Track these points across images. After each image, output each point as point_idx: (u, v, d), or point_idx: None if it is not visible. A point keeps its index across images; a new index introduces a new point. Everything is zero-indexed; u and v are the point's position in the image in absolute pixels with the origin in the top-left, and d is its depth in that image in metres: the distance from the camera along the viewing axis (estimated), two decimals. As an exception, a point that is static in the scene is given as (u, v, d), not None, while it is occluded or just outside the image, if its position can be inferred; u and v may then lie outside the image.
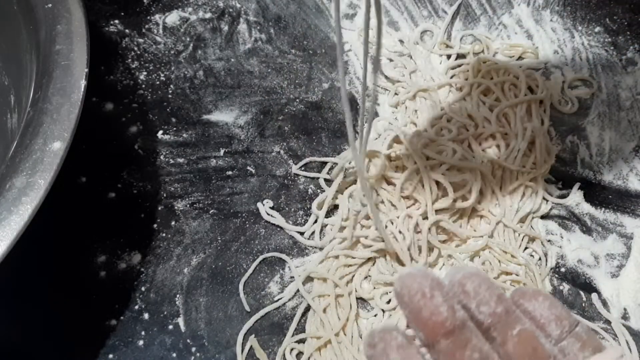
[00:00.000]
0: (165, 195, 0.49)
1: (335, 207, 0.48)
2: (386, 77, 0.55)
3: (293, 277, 0.45)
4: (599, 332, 0.44)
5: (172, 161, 0.51)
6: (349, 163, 0.48)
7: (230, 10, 0.59)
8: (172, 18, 0.58)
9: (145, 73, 0.55)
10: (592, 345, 0.26)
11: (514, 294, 0.27)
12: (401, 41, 0.57)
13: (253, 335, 0.43)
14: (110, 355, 0.42)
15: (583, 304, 0.45)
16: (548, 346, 0.25)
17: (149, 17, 0.58)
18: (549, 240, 0.48)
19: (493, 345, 0.25)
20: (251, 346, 0.43)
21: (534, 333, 0.25)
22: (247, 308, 0.44)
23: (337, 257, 0.45)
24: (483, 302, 0.25)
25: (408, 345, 0.25)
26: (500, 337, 0.25)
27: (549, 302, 0.27)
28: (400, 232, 0.45)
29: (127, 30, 0.58)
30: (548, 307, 0.26)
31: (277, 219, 0.48)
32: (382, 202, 0.47)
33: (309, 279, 0.45)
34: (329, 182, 0.49)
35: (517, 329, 0.25)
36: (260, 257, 0.46)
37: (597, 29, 0.58)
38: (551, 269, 0.46)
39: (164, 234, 0.47)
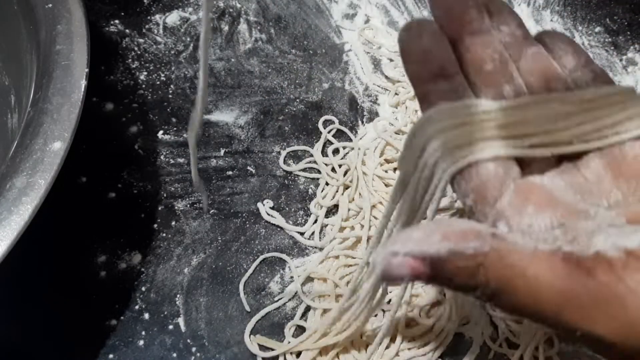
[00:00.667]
0: (165, 195, 0.49)
1: (335, 207, 0.48)
2: (386, 77, 0.55)
3: (293, 276, 0.45)
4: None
5: (172, 161, 0.51)
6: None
7: (231, 10, 0.59)
8: (173, 18, 0.59)
9: (145, 73, 0.55)
10: (604, 78, 0.26)
11: (538, 33, 0.28)
12: (401, 41, 0.57)
13: (256, 335, 0.43)
14: (110, 355, 0.42)
15: (583, 304, 0.45)
16: (559, 70, 0.26)
17: (149, 17, 0.58)
18: (549, 240, 0.47)
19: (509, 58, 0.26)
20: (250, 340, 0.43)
21: (547, 56, 0.26)
22: (247, 308, 0.44)
23: (337, 257, 0.45)
24: (504, 22, 0.27)
25: (441, 34, 0.26)
26: (515, 55, 0.26)
27: (569, 39, 0.27)
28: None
29: (127, 30, 0.58)
30: (567, 42, 0.27)
31: (277, 219, 0.48)
32: (381, 202, 0.47)
33: (309, 279, 0.45)
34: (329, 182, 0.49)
35: (533, 49, 0.26)
36: (261, 257, 0.46)
37: (597, 29, 0.58)
38: (551, 269, 0.46)
39: (164, 234, 0.47)
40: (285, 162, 0.50)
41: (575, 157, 0.25)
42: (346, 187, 0.48)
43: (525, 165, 0.25)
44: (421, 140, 0.25)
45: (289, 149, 0.51)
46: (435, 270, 0.21)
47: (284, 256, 0.46)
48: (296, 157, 0.51)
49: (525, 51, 0.26)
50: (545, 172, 0.25)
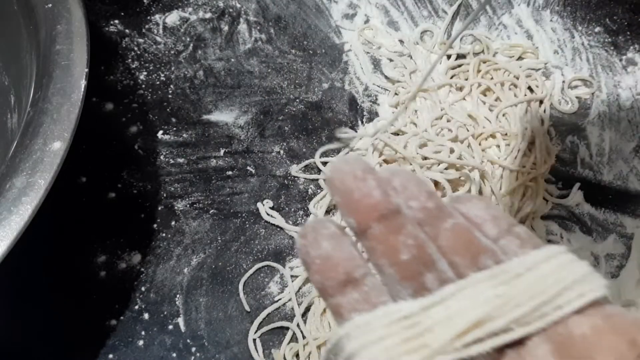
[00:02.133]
0: (165, 195, 0.49)
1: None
2: (386, 77, 0.55)
3: (293, 276, 0.45)
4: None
5: (172, 161, 0.51)
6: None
7: (230, 10, 0.59)
8: (172, 18, 0.59)
9: (145, 73, 0.55)
10: (531, 243, 0.23)
11: (449, 201, 0.25)
12: (401, 41, 0.57)
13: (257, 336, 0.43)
14: (110, 355, 0.42)
15: (583, 304, 0.45)
16: (484, 240, 0.23)
17: (149, 17, 0.58)
18: (549, 241, 0.47)
19: (426, 239, 0.23)
20: (255, 347, 0.43)
21: (468, 226, 0.23)
22: (247, 308, 0.44)
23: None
24: (412, 197, 0.24)
25: (340, 234, 0.23)
26: (432, 232, 0.23)
27: (485, 204, 0.24)
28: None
29: (127, 30, 0.58)
30: (484, 208, 0.24)
31: (277, 219, 0.48)
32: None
33: (308, 280, 0.45)
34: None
35: (450, 222, 0.23)
36: (257, 265, 0.46)
37: (597, 29, 0.58)
38: (551, 269, 0.46)
39: (164, 234, 0.47)
40: (286, 162, 0.51)
41: (518, 344, 0.21)
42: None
43: None
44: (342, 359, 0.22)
45: (323, 148, 0.51)
46: None
47: (278, 266, 0.46)
48: (296, 157, 0.51)
49: (442, 226, 0.23)
50: None
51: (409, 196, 0.24)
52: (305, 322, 0.44)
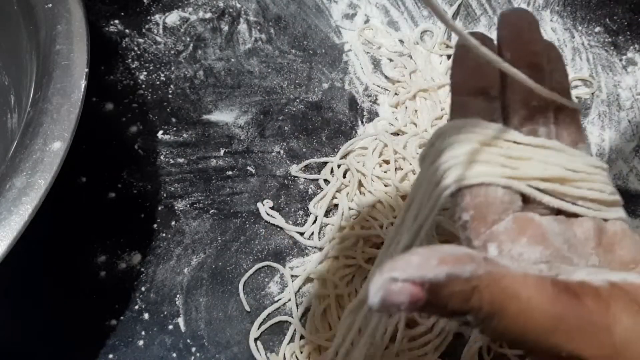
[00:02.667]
0: (165, 195, 0.49)
1: (335, 207, 0.48)
2: (386, 77, 0.55)
3: (293, 276, 0.45)
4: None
5: (172, 161, 0.51)
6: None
7: (230, 10, 0.59)
8: (172, 18, 0.58)
9: (145, 73, 0.55)
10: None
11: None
12: (401, 41, 0.57)
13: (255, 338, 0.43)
14: (110, 355, 0.42)
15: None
16: (588, 138, 0.30)
17: (149, 17, 0.58)
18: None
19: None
20: (256, 346, 0.43)
21: (579, 117, 0.29)
22: (247, 308, 0.44)
23: (336, 257, 0.45)
24: (558, 70, 0.28)
25: (497, 56, 0.25)
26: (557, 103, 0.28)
27: None
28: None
29: (127, 30, 0.58)
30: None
31: (277, 219, 0.48)
32: (380, 202, 0.47)
33: (308, 279, 0.45)
34: (328, 182, 0.49)
35: (571, 108, 0.28)
36: (257, 265, 0.46)
37: (597, 29, 0.58)
38: (551, 269, 0.46)
39: (164, 234, 0.47)
40: (286, 162, 0.51)
41: (572, 214, 0.26)
42: (345, 187, 0.48)
43: (529, 202, 0.26)
44: (444, 143, 0.25)
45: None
46: (433, 296, 0.21)
47: (279, 266, 0.46)
48: (296, 157, 0.51)
49: (565, 108, 0.27)
50: (543, 215, 0.26)
51: (556, 68, 0.28)
52: (305, 322, 0.44)
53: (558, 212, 0.26)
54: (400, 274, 0.20)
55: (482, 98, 0.26)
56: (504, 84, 0.27)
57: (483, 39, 0.27)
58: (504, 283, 0.22)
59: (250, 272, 0.45)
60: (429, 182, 0.26)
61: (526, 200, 0.25)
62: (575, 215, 0.26)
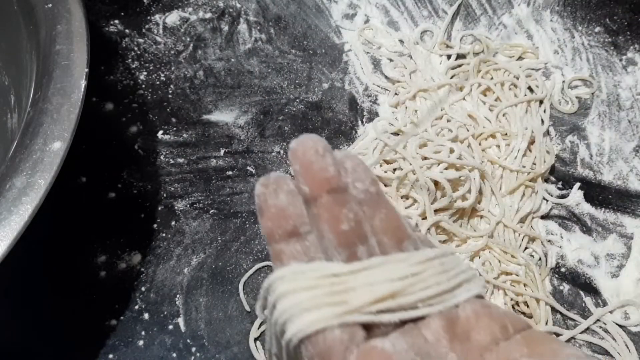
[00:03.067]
0: (165, 195, 0.49)
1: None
2: (386, 77, 0.55)
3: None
4: (598, 332, 0.44)
5: (172, 161, 0.51)
6: None
7: (230, 10, 0.59)
8: (172, 18, 0.59)
9: (145, 73, 0.55)
10: (429, 244, 0.29)
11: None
12: (401, 41, 0.57)
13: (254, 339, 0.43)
14: (110, 355, 0.42)
15: (583, 304, 0.45)
16: (409, 229, 0.28)
17: (149, 17, 0.58)
18: (549, 241, 0.48)
19: (364, 217, 0.27)
20: (256, 346, 0.43)
21: (399, 216, 0.28)
22: (247, 308, 0.44)
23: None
24: (359, 180, 0.27)
25: (296, 193, 0.27)
26: (369, 212, 0.27)
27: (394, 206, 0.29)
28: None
29: (127, 30, 0.58)
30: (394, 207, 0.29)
31: (277, 219, 0.48)
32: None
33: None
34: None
35: (385, 208, 0.28)
36: (257, 265, 0.46)
37: (597, 29, 0.58)
38: (551, 269, 0.46)
39: (164, 234, 0.47)
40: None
41: (418, 319, 0.25)
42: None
43: (371, 327, 0.25)
44: (273, 298, 0.25)
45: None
46: None
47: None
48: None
49: (379, 210, 0.27)
50: (388, 333, 0.25)
51: (357, 178, 0.27)
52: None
53: (403, 322, 0.25)
54: None
55: (295, 239, 0.26)
56: (311, 216, 0.27)
57: (278, 181, 0.27)
58: None
59: (250, 272, 0.45)
60: (275, 335, 0.26)
61: (367, 326, 0.25)
62: (421, 319, 0.25)
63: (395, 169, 0.49)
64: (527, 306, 0.44)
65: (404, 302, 0.25)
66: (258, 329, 0.43)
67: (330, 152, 0.27)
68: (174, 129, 0.52)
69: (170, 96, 0.54)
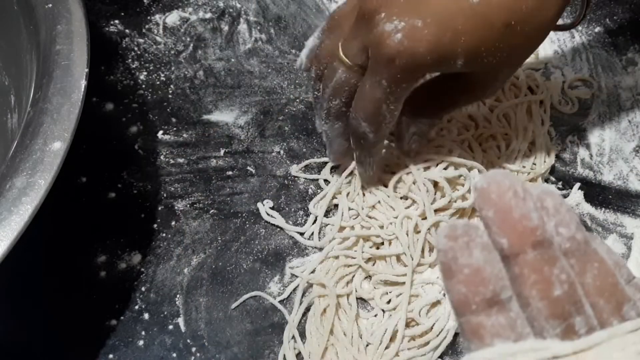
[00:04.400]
0: (165, 195, 0.49)
1: (335, 206, 0.48)
2: (386, 77, 0.55)
3: (293, 276, 0.45)
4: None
5: (172, 161, 0.51)
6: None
7: (231, 10, 0.59)
8: (172, 18, 0.59)
9: (145, 73, 0.55)
10: None
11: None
12: (401, 41, 0.57)
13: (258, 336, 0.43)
14: (110, 355, 0.42)
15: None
16: (627, 287, 0.22)
17: (149, 17, 0.58)
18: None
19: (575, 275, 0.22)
20: (253, 345, 0.43)
21: (613, 269, 0.22)
22: (247, 308, 0.44)
23: (337, 257, 0.45)
24: (563, 224, 0.22)
25: (492, 249, 0.21)
26: (578, 267, 0.22)
27: (608, 248, 0.23)
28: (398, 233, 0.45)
29: (127, 30, 0.58)
30: (607, 252, 0.23)
31: (277, 219, 0.48)
32: (379, 202, 0.47)
33: (309, 279, 0.45)
34: (328, 182, 0.49)
35: (598, 261, 0.22)
36: (257, 265, 0.46)
37: (597, 29, 0.58)
38: (551, 269, 0.46)
39: (164, 234, 0.47)
40: (286, 162, 0.51)
41: None
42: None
43: None
44: None
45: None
46: None
47: (278, 266, 0.46)
48: (296, 157, 0.51)
49: (590, 263, 0.22)
50: None
51: (560, 222, 0.22)
52: (305, 322, 0.44)
53: None
54: None
55: (497, 310, 0.21)
56: (512, 277, 0.22)
57: (470, 233, 0.21)
58: None
59: (250, 272, 0.45)
60: None
61: None
62: None
63: (393, 172, 0.49)
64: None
65: None
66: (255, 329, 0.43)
67: (529, 192, 0.22)
68: (174, 129, 0.52)
69: (170, 96, 0.54)
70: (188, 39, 0.57)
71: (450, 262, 0.21)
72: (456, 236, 0.21)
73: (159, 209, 0.48)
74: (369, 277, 0.45)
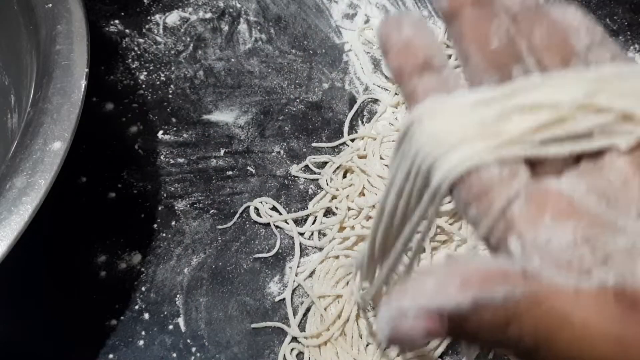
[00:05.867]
0: (165, 195, 0.49)
1: (337, 207, 0.48)
2: (386, 77, 0.55)
3: (293, 274, 0.45)
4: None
5: (172, 161, 0.51)
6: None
7: (231, 10, 0.59)
8: (173, 18, 0.58)
9: (145, 73, 0.55)
10: (624, 59, 0.22)
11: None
12: (401, 41, 0.57)
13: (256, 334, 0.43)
14: (110, 355, 0.42)
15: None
16: (578, 45, 0.22)
17: (149, 17, 0.58)
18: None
19: (518, 32, 0.22)
20: (252, 344, 0.43)
21: (565, 27, 0.22)
22: (248, 308, 0.44)
23: (337, 257, 0.45)
24: None
25: (422, 23, 0.23)
26: (525, 28, 0.22)
27: (581, 12, 0.23)
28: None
29: (127, 30, 0.58)
30: (580, 16, 0.23)
31: (277, 219, 0.48)
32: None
33: (309, 279, 0.45)
34: (328, 182, 0.49)
35: (547, 20, 0.22)
36: (257, 265, 0.46)
37: (597, 29, 0.58)
38: (551, 269, 0.46)
39: (164, 234, 0.47)
40: (286, 162, 0.51)
41: (596, 154, 0.20)
42: (345, 187, 0.48)
43: (537, 165, 0.20)
44: (411, 143, 0.21)
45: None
46: (456, 327, 0.17)
47: (278, 266, 0.46)
48: (296, 157, 0.51)
49: (538, 22, 0.22)
50: (561, 173, 0.20)
51: None
52: (305, 322, 0.44)
53: (577, 158, 0.20)
54: (410, 303, 0.17)
55: (428, 73, 0.22)
56: (453, 37, 0.23)
57: (400, 15, 0.23)
58: (549, 305, 0.17)
59: (250, 272, 0.45)
60: (412, 182, 0.21)
61: (531, 164, 0.20)
62: (602, 153, 0.20)
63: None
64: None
65: (575, 129, 0.19)
66: (256, 329, 0.43)
67: None
68: (174, 129, 0.52)
69: (170, 96, 0.54)
70: (188, 39, 0.57)
71: (385, 41, 0.23)
72: (389, 20, 0.23)
73: (159, 209, 0.48)
74: (369, 277, 0.45)
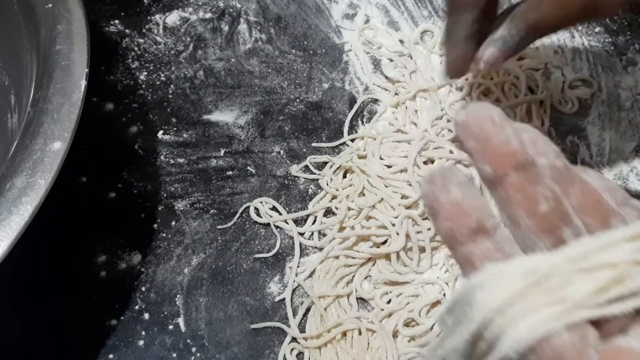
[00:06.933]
0: (165, 195, 0.49)
1: (337, 208, 0.48)
2: (386, 77, 0.55)
3: (293, 274, 0.45)
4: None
5: (172, 161, 0.51)
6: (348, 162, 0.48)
7: (231, 10, 0.59)
8: (173, 18, 0.59)
9: (145, 73, 0.55)
10: None
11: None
12: (401, 41, 0.57)
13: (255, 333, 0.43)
14: (110, 355, 0.42)
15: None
16: (612, 203, 0.23)
17: (149, 17, 0.58)
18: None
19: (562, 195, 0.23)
20: (251, 344, 0.43)
21: (595, 188, 0.23)
22: (247, 308, 0.44)
23: (337, 257, 0.45)
24: (542, 154, 0.23)
25: (469, 183, 0.23)
26: (563, 189, 0.23)
27: (600, 175, 0.24)
28: (398, 233, 0.45)
29: (127, 30, 0.58)
30: (599, 178, 0.24)
31: (277, 219, 0.48)
32: (380, 201, 0.47)
33: (309, 279, 0.45)
34: (328, 182, 0.49)
35: (579, 182, 0.23)
36: (257, 265, 0.46)
37: (597, 29, 0.58)
38: (551, 269, 0.46)
39: (164, 234, 0.47)
40: (286, 162, 0.51)
41: None
42: (345, 188, 0.48)
43: (602, 325, 0.21)
44: (473, 310, 0.21)
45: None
46: None
47: (278, 266, 0.46)
48: (296, 157, 0.51)
49: (572, 186, 0.23)
50: (625, 328, 0.21)
51: (539, 152, 0.23)
52: (305, 322, 0.44)
53: (638, 312, 0.21)
54: None
55: (483, 237, 0.22)
56: (499, 202, 0.23)
57: (445, 174, 0.23)
58: None
59: (250, 272, 0.45)
60: (472, 347, 0.21)
61: (597, 324, 0.21)
62: None
63: (395, 172, 0.49)
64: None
65: (635, 286, 0.21)
66: (256, 329, 0.43)
67: (508, 121, 0.22)
68: (174, 129, 0.52)
69: (170, 96, 0.54)
70: (188, 39, 0.57)
71: (432, 202, 0.23)
72: (434, 180, 0.23)
73: (159, 209, 0.48)
74: (368, 276, 0.45)
